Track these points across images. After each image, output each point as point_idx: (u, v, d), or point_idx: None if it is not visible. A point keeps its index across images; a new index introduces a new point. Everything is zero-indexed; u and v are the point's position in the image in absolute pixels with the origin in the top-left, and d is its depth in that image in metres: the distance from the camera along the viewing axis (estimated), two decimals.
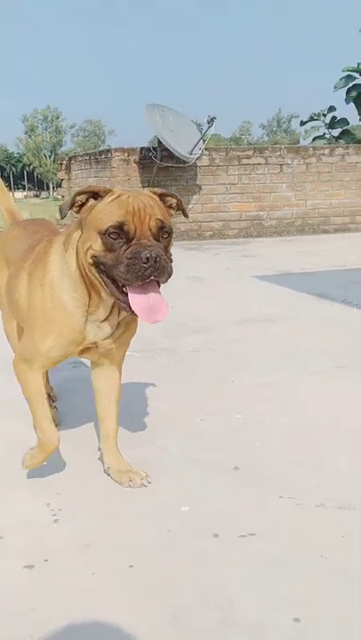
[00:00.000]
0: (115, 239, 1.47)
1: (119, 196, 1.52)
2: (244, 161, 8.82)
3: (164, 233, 1.52)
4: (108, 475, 1.84)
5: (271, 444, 2.06)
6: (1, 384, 2.75)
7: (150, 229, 1.49)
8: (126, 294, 1.51)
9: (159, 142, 7.99)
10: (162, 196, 1.61)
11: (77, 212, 1.59)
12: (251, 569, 1.40)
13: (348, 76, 11.75)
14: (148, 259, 1.44)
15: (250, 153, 8.90)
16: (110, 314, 1.66)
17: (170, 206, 1.65)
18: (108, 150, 8.58)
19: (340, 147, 9.40)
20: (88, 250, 1.53)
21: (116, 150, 8.37)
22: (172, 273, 1.51)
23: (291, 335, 3.45)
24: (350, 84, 11.76)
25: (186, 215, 1.73)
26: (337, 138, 11.96)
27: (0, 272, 2.14)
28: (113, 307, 1.64)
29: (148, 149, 8.29)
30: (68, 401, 2.51)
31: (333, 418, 2.26)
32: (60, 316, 1.65)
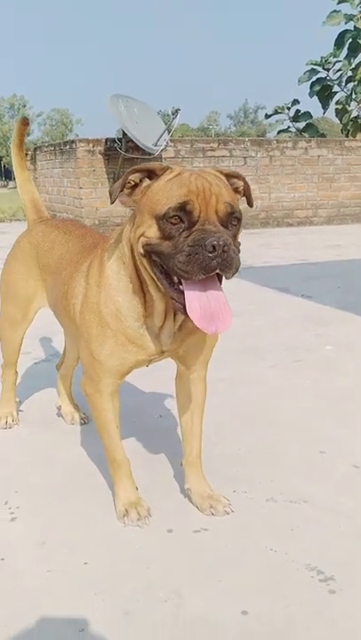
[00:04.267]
0: (175, 224, 1.26)
1: (180, 174, 1.31)
2: (209, 153, 8.85)
3: (233, 219, 1.30)
4: (188, 496, 1.71)
5: (227, 438, 2.11)
6: None
7: (217, 213, 1.27)
8: (182, 292, 1.30)
9: (124, 133, 7.94)
10: (228, 177, 1.40)
11: (129, 195, 1.38)
12: (201, 562, 1.45)
13: (312, 69, 11.87)
14: (214, 247, 1.21)
15: (214, 145, 8.93)
16: (165, 319, 1.47)
17: (236, 189, 1.43)
18: (73, 141, 8.49)
19: (303, 140, 9.51)
20: (140, 237, 1.32)
21: (81, 141, 8.29)
22: (239, 267, 1.28)
23: (251, 329, 3.51)
24: (314, 78, 11.88)
25: (250, 203, 1.48)
26: (301, 131, 12.08)
27: (28, 277, 1.99)
28: (167, 312, 1.45)
29: (114, 140, 8.23)
30: (30, 397, 2.51)
31: (289, 411, 2.33)
32: (114, 322, 1.49)
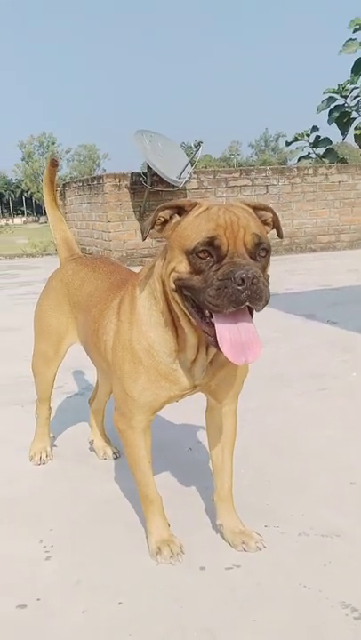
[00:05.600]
0: (203, 258, 1.28)
1: (207, 209, 1.34)
2: (232, 183, 8.97)
3: (261, 250, 1.32)
4: (220, 532, 1.71)
5: (257, 470, 2.11)
6: None
7: (245, 245, 1.29)
8: (213, 325, 1.31)
9: (149, 167, 8.12)
10: (256, 210, 1.43)
11: (160, 232, 1.41)
12: (234, 601, 1.45)
13: (330, 97, 12.01)
14: (243, 280, 1.23)
15: (237, 175, 9.05)
16: (198, 353, 1.48)
17: (264, 222, 1.45)
18: (100, 176, 8.71)
19: (324, 166, 9.57)
20: (171, 272, 1.35)
21: (108, 176, 8.50)
22: (269, 299, 1.29)
23: (277, 358, 3.52)
24: (332, 106, 12.02)
25: (281, 235, 1.51)
26: (321, 157, 12.17)
27: (60, 314, 2.04)
28: (199, 345, 1.47)
29: (139, 174, 8.42)
30: (62, 432, 2.55)
31: (317, 440, 2.32)
32: (147, 358, 1.51)
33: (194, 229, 1.31)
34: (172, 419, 2.58)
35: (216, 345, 1.31)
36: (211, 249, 1.28)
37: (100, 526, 1.81)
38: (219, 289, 1.24)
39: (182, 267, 1.32)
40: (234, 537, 1.67)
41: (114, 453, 2.29)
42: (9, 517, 1.89)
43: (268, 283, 1.32)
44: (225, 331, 1.30)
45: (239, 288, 1.23)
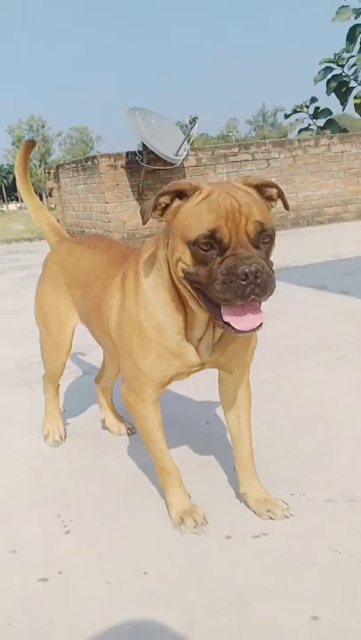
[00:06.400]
0: (206, 250, 1.26)
1: (208, 196, 1.30)
2: (231, 158, 8.82)
3: (264, 237, 1.29)
4: (244, 501, 1.67)
5: (278, 440, 2.05)
6: (3, 397, 2.76)
7: (248, 234, 1.27)
8: (220, 307, 1.30)
9: (144, 146, 7.96)
10: (259, 188, 1.38)
11: (161, 215, 1.38)
12: (264, 568, 1.40)
13: (327, 67, 11.77)
14: (246, 274, 1.22)
15: (236, 150, 8.88)
16: (206, 330, 1.48)
17: (269, 197, 1.41)
18: (95, 157, 8.54)
19: (325, 137, 9.39)
20: (178, 262, 1.33)
21: (102, 156, 8.33)
22: (274, 288, 1.27)
23: (290, 330, 3.45)
24: (329, 76, 11.78)
25: (287, 207, 1.47)
26: (323, 128, 11.97)
27: (58, 297, 1.99)
28: (208, 322, 1.46)
29: (135, 153, 8.25)
30: (76, 410, 2.50)
31: (338, 409, 2.26)
32: (156, 335, 1.49)
33: (195, 219, 1.28)
34: (187, 394, 2.53)
35: (221, 320, 1.30)
36: (213, 241, 1.26)
37: (119, 500, 1.76)
38: (224, 283, 1.24)
39: (187, 257, 1.30)
40: (259, 505, 1.62)
41: (128, 429, 2.23)
42: (26, 496, 1.84)
43: (273, 270, 1.29)
44: (229, 309, 1.29)
45: (243, 283, 1.23)
